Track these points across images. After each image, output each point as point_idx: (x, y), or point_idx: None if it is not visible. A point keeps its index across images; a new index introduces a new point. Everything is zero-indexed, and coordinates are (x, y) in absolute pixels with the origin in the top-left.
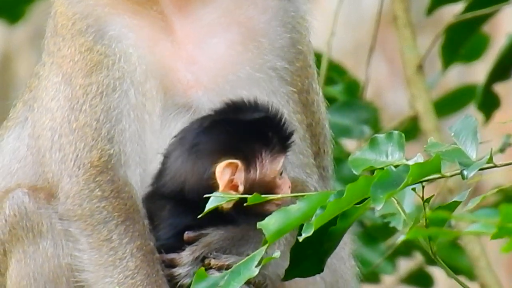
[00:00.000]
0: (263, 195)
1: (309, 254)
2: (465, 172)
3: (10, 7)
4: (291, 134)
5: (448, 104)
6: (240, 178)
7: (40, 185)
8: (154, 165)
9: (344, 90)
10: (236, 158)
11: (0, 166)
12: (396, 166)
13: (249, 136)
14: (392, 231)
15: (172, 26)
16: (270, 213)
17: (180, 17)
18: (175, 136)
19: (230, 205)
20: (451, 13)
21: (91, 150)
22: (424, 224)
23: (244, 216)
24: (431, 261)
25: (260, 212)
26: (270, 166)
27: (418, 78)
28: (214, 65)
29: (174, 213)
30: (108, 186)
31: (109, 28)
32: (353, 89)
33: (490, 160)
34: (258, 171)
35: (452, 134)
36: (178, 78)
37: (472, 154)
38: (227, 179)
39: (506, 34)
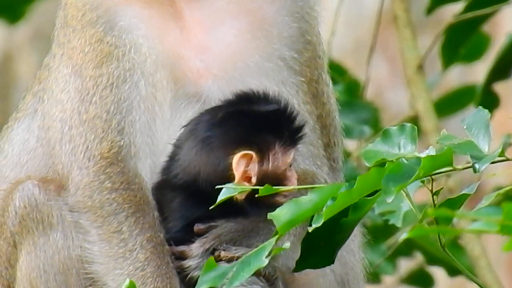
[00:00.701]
0: (275, 187)
1: (320, 246)
2: (477, 166)
3: (10, 7)
4: (302, 126)
5: (448, 104)
6: (253, 169)
7: (50, 177)
8: (165, 157)
9: (344, 90)
10: (251, 150)
11: (9, 157)
12: (408, 159)
13: (262, 128)
14: (393, 231)
15: (181, 13)
16: (280, 205)
17: (189, 2)
18: (185, 126)
19: (243, 196)
20: (451, 13)
21: (101, 142)
22: (432, 218)
23: (254, 207)
24: (431, 261)
25: (270, 204)
26: (282, 158)
27: (418, 78)
28: (224, 52)
29: (184, 205)
30: (118, 177)
31: (119, 19)
32: (353, 89)
33: (502, 153)
34: (270, 163)
35: (465, 127)
36: (189, 67)
37: (484, 147)
38: (242, 170)
39: (506, 34)
